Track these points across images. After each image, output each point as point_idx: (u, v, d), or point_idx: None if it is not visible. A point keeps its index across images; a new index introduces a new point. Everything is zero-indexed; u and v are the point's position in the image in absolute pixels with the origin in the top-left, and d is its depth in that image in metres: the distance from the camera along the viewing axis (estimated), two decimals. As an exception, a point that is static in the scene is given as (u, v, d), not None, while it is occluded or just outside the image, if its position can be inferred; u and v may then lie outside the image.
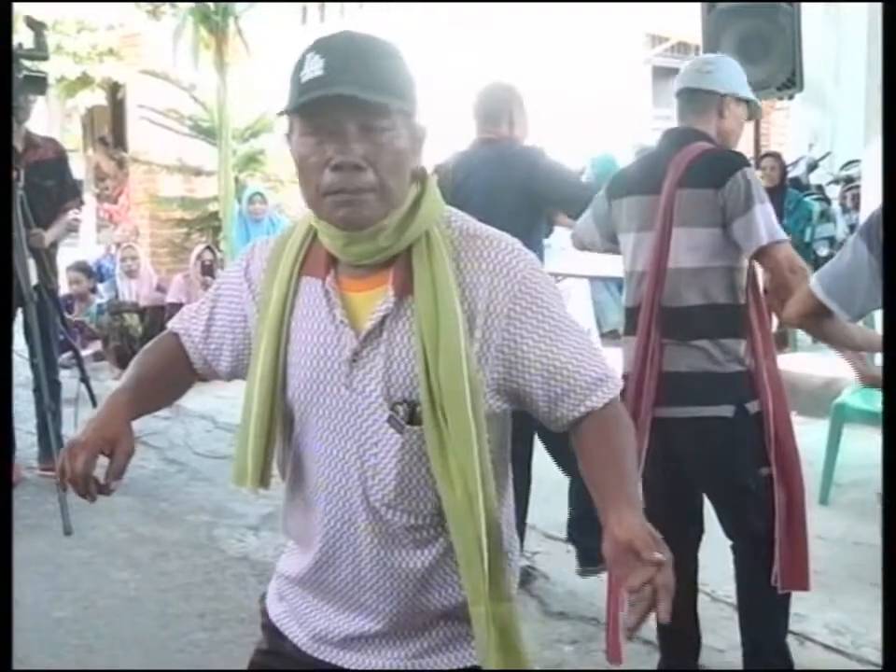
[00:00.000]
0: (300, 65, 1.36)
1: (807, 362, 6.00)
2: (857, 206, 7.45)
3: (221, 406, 5.98)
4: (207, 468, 5.17)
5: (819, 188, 9.33)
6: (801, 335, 6.71)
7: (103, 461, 1.44)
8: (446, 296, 1.38)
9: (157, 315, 7.39)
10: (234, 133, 8.14)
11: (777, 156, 7.84)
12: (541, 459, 3.60)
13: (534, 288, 1.42)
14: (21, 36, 4.73)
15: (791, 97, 4.66)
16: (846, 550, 3.89)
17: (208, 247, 7.89)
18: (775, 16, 4.29)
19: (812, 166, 9.57)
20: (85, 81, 11.80)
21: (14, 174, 4.50)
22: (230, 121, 7.68)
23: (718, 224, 2.64)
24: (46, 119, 11.76)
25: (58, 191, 5.06)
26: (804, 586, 2.75)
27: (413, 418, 1.40)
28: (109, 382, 6.69)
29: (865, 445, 4.16)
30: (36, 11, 6.12)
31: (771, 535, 2.69)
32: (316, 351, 1.45)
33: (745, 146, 3.17)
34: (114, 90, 11.91)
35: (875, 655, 2.98)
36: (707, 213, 2.64)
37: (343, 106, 1.32)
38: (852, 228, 7.95)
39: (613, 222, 2.91)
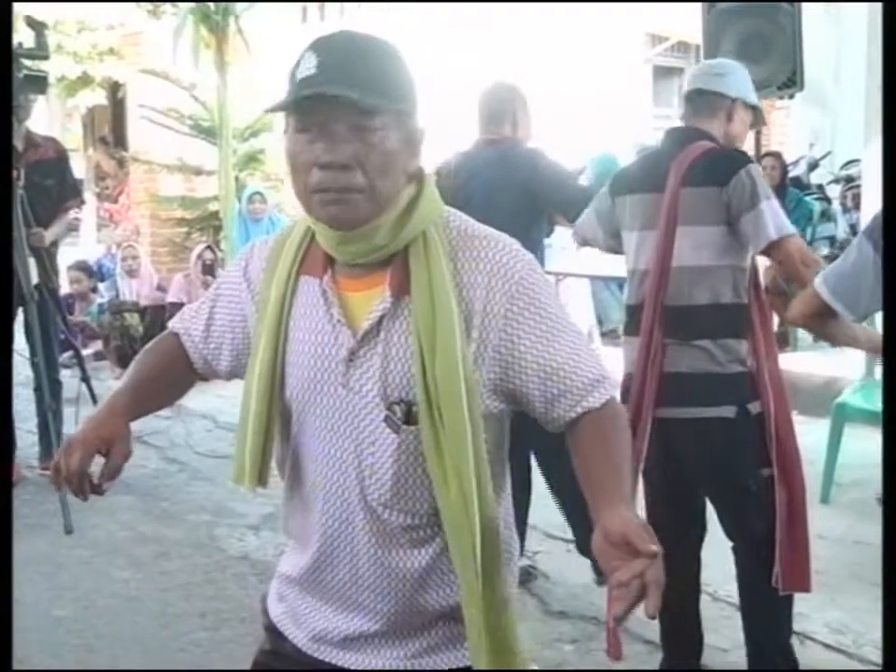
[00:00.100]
0: (296, 64, 1.37)
1: (808, 361, 6.00)
2: (857, 206, 7.45)
3: (222, 405, 5.98)
4: (208, 467, 5.18)
5: (820, 187, 9.34)
6: (801, 335, 6.70)
7: (99, 461, 1.44)
8: (443, 296, 1.38)
9: (157, 315, 7.40)
10: (235, 132, 8.12)
11: (777, 155, 7.85)
12: (542, 459, 3.60)
13: (531, 289, 1.42)
14: (22, 36, 4.73)
15: (791, 97, 4.66)
16: (846, 549, 3.89)
17: (209, 247, 7.89)
18: (775, 16, 4.29)
19: (813, 166, 9.58)
20: (85, 81, 11.80)
21: (15, 173, 4.50)
22: (230, 121, 7.65)
23: (722, 222, 2.64)
24: (46, 118, 11.76)
25: (58, 191, 5.07)
26: (805, 588, 2.75)
27: (410, 418, 1.40)
28: (110, 381, 6.69)
29: (866, 445, 4.16)
30: (37, 11, 6.13)
31: (772, 536, 2.68)
32: (314, 350, 1.45)
33: (746, 145, 3.17)
34: (114, 89, 11.92)
35: (876, 655, 2.98)
36: (711, 211, 2.65)
37: (334, 106, 1.32)
38: (853, 227, 7.96)
39: (616, 219, 2.91)
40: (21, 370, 5.21)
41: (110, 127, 13.51)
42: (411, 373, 1.40)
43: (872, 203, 5.06)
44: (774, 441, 2.68)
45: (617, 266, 3.28)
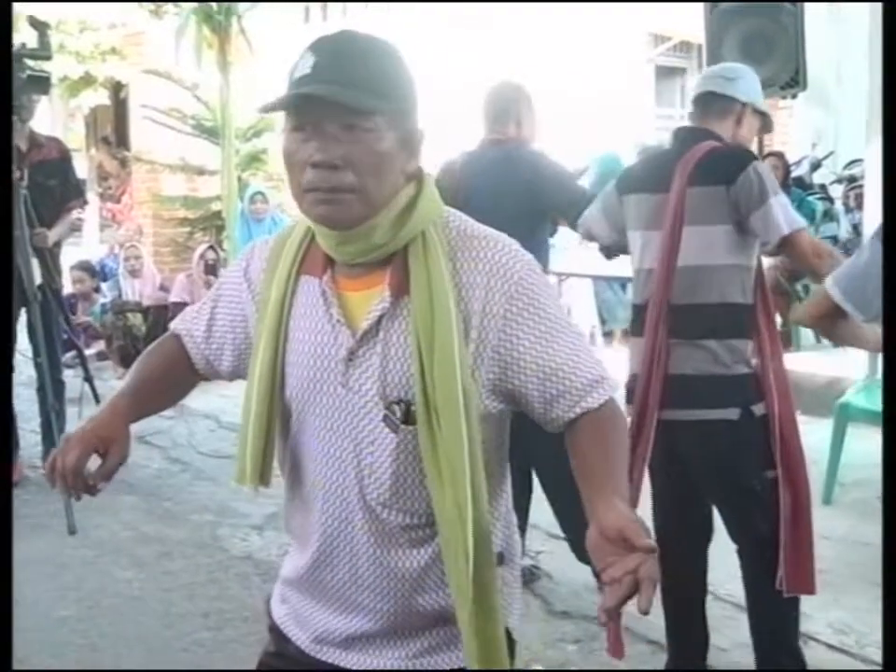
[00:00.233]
0: (295, 64, 1.38)
1: (811, 362, 6.00)
2: (860, 206, 7.44)
3: (225, 405, 5.98)
4: (211, 467, 5.18)
5: (823, 187, 9.33)
6: (804, 335, 6.70)
7: (97, 461, 1.45)
8: (441, 296, 1.38)
9: (160, 315, 7.41)
10: (237, 132, 8.14)
11: (780, 155, 7.84)
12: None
13: (531, 289, 1.42)
14: (25, 36, 4.74)
15: (794, 96, 4.66)
16: (849, 549, 3.89)
17: (211, 247, 7.90)
18: (778, 15, 4.29)
19: (815, 165, 9.57)
20: (88, 81, 11.81)
21: (18, 173, 4.51)
22: (232, 120, 7.68)
23: (728, 221, 2.64)
24: (49, 118, 11.78)
25: (61, 191, 5.07)
26: (809, 590, 2.73)
27: (409, 418, 1.40)
28: (113, 381, 6.70)
29: (869, 445, 4.16)
30: (39, 11, 6.14)
31: (776, 538, 2.68)
32: (314, 350, 1.45)
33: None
34: (117, 89, 11.93)
35: (880, 655, 2.98)
36: (718, 210, 2.64)
37: (327, 105, 1.32)
38: (855, 227, 7.95)
39: (623, 217, 2.91)
40: (25, 370, 5.23)
41: (113, 127, 13.52)
42: (410, 373, 1.40)
43: (874, 202, 5.05)
44: (778, 442, 2.67)
45: (620, 266, 3.28)
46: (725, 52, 4.26)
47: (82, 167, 11.11)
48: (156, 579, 3.83)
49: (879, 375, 4.67)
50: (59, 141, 5.40)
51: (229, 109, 7.55)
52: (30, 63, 4.55)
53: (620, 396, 1.52)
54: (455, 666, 1.51)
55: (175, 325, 1.68)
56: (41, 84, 4.72)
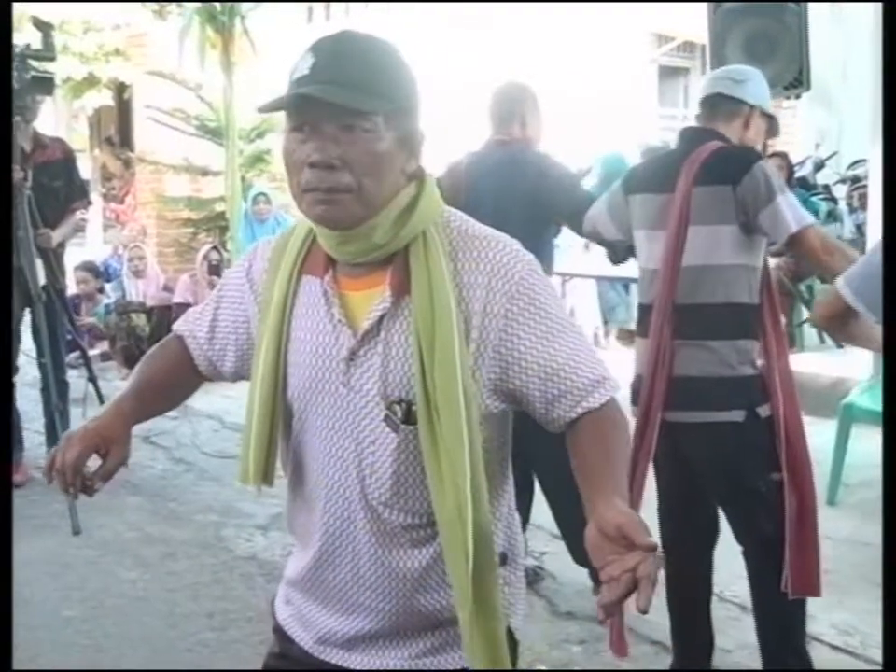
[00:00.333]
0: (295, 64, 1.38)
1: (815, 362, 5.99)
2: (864, 206, 7.44)
3: (229, 406, 5.99)
4: (215, 467, 5.18)
5: (826, 187, 9.32)
6: (808, 335, 6.70)
7: (96, 462, 1.45)
8: (442, 296, 1.38)
9: (164, 315, 7.42)
10: (241, 132, 8.14)
11: (783, 155, 7.83)
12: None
13: (532, 289, 1.42)
14: (29, 37, 4.74)
15: (797, 96, 4.64)
16: (853, 550, 3.88)
17: (215, 247, 7.90)
18: (781, 15, 4.27)
19: (819, 166, 9.55)
20: (91, 82, 11.80)
21: (22, 174, 4.52)
22: (236, 121, 7.68)
23: (734, 221, 2.63)
24: (53, 119, 11.76)
25: (66, 191, 5.08)
26: (814, 592, 2.72)
27: (410, 417, 1.41)
28: (117, 381, 6.71)
29: (873, 445, 4.11)
30: (42, 12, 6.14)
31: (781, 539, 2.67)
32: (315, 350, 1.45)
33: (752, 146, 3.16)
34: (120, 90, 11.92)
35: (883, 656, 2.97)
36: (724, 210, 2.63)
37: (325, 106, 1.33)
38: (859, 227, 7.94)
39: (629, 217, 2.90)
40: (29, 370, 5.24)
41: (116, 128, 13.51)
42: (411, 373, 1.40)
43: (878, 203, 5.05)
44: (784, 444, 2.66)
45: (624, 267, 3.28)
46: (729, 52, 4.25)
47: (86, 168, 11.12)
48: (160, 579, 3.83)
49: (883, 376, 4.67)
50: (63, 142, 5.40)
51: (232, 110, 7.56)
52: (34, 63, 4.56)
53: (622, 396, 1.52)
54: (458, 667, 1.51)
55: (177, 326, 1.68)
56: (45, 85, 4.73)
